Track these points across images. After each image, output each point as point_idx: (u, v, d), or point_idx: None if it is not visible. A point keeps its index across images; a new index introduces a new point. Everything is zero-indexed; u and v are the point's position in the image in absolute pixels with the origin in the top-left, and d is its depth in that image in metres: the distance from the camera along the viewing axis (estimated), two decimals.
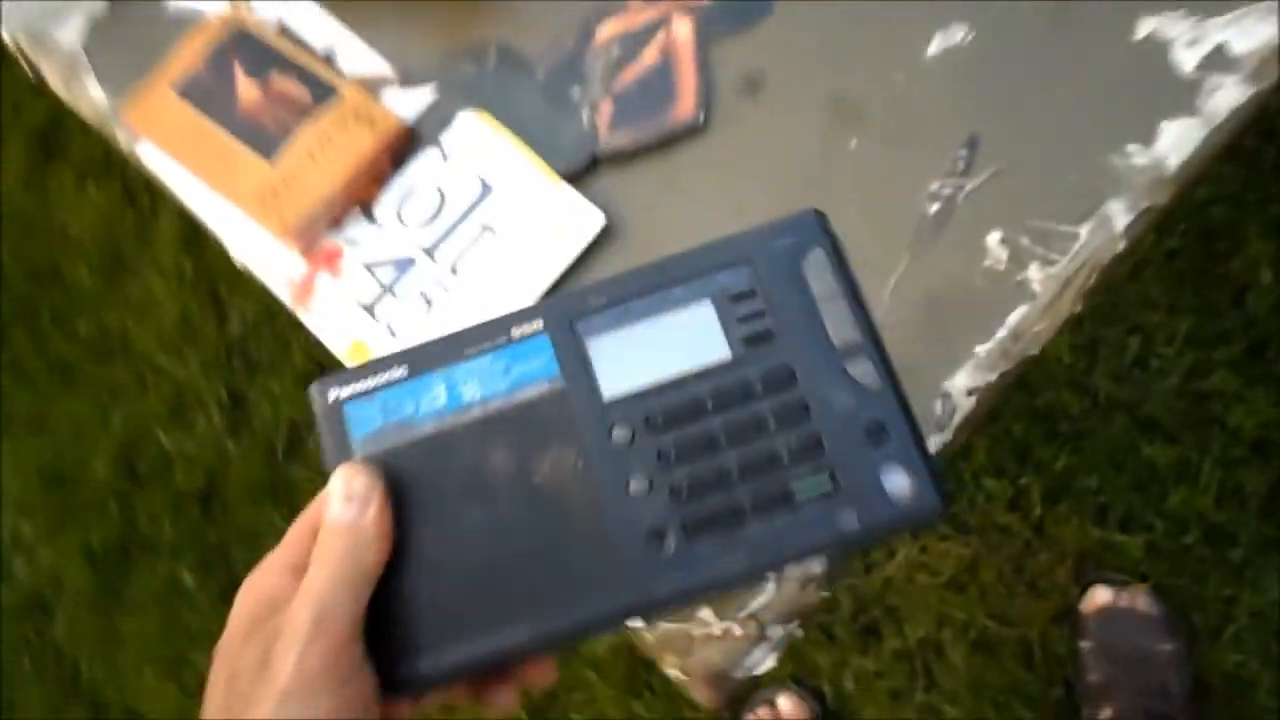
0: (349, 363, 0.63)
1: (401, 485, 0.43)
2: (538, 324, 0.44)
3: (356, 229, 0.67)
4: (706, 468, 0.42)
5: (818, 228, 0.44)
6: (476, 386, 0.44)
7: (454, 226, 0.65)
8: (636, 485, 0.42)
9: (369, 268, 0.66)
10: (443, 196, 0.66)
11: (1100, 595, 1.19)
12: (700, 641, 0.58)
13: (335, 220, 0.67)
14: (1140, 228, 0.59)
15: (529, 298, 0.61)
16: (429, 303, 0.65)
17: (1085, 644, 1.19)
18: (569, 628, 0.41)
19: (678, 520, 0.41)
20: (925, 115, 0.63)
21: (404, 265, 0.65)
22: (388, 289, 0.66)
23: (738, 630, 0.58)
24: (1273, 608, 1.19)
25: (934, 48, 0.63)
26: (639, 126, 0.65)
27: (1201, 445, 1.24)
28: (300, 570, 0.40)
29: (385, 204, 0.67)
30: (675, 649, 0.58)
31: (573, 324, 0.44)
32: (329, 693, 0.37)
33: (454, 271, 0.64)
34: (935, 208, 0.61)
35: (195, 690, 1.47)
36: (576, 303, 0.44)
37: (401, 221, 0.66)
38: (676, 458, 0.42)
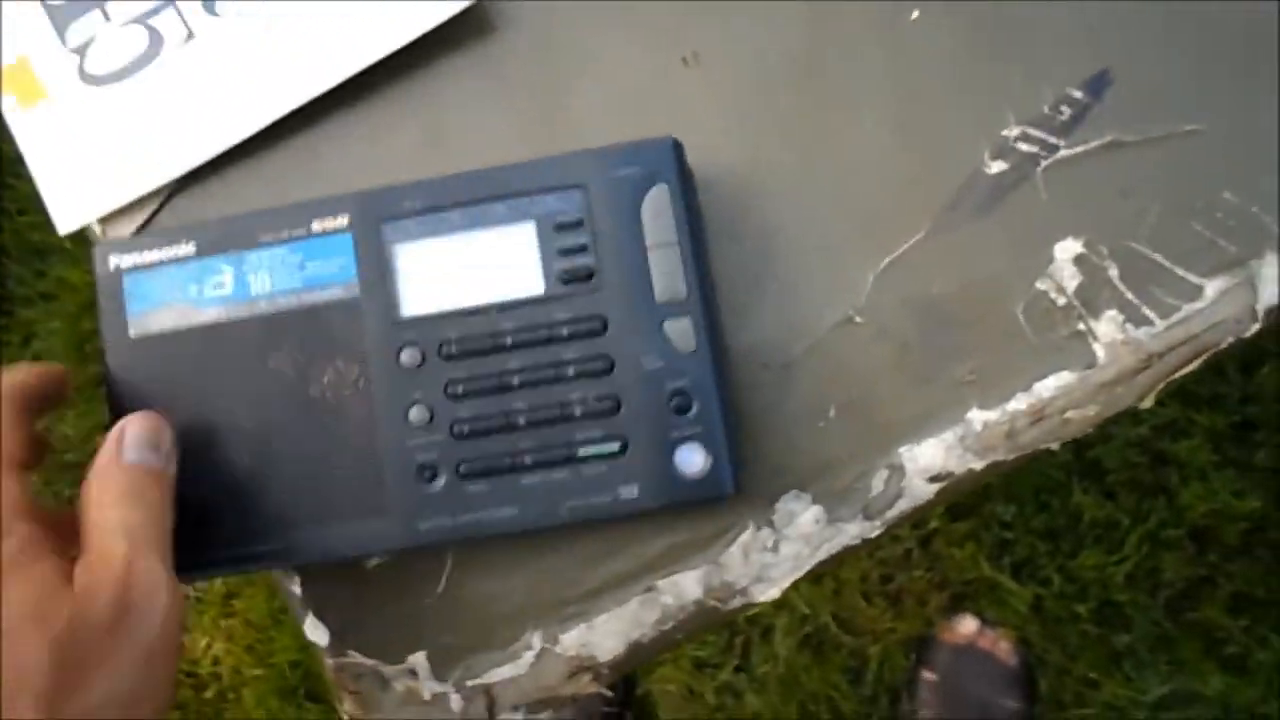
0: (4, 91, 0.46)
1: (172, 374, 0.40)
2: (343, 220, 0.40)
3: None
4: (493, 409, 0.39)
5: (670, 160, 0.39)
6: (266, 279, 0.40)
7: None
8: (417, 415, 0.39)
9: None
10: None
11: (965, 626, 1.10)
12: (395, 697, 0.43)
13: None
14: None
15: (304, 88, 0.44)
16: (160, 39, 0.45)
17: (928, 675, 1.10)
18: (323, 551, 0.39)
19: (453, 459, 0.38)
20: (1040, 18, 0.43)
21: None
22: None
23: (455, 702, 0.43)
24: (1139, 709, 1.11)
25: None
26: None
27: (1138, 512, 1.13)
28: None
29: None
30: (359, 694, 0.43)
31: (380, 226, 0.40)
32: None
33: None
34: (998, 167, 0.42)
35: None
36: (389, 202, 0.40)
37: None
38: (464, 392, 0.39)
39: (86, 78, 0.45)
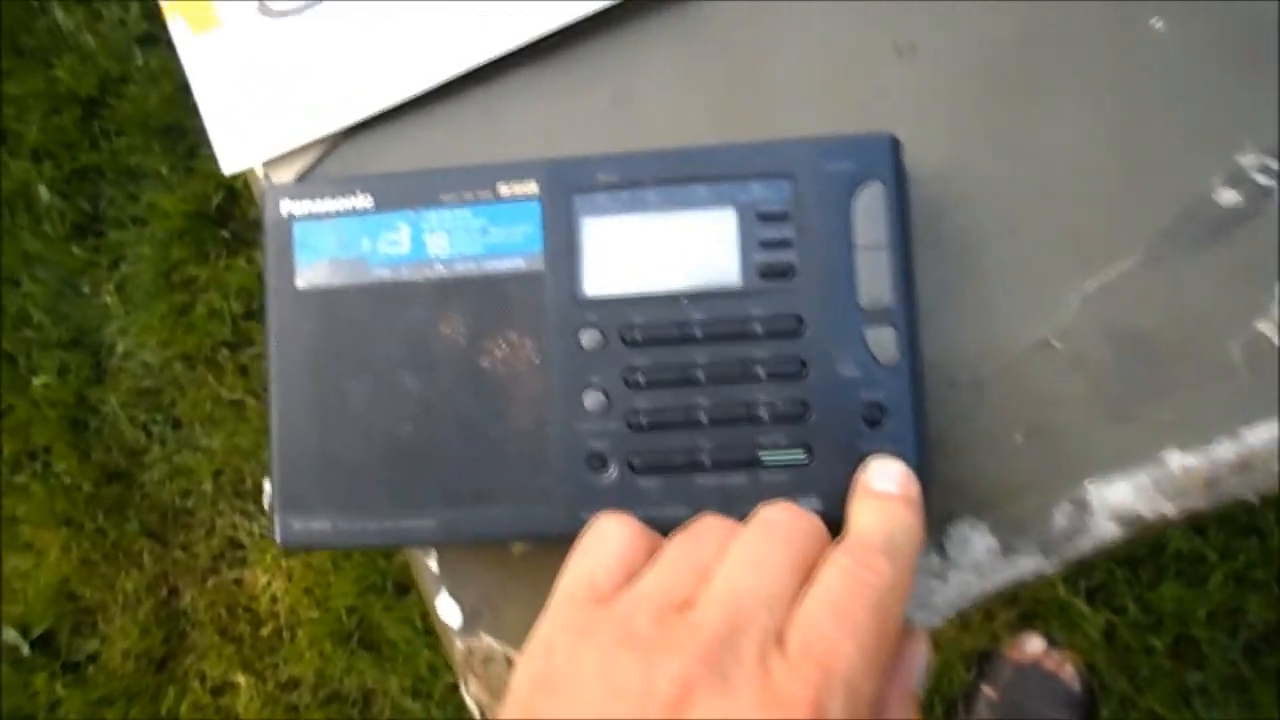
0: (169, 10, 0.45)
1: (338, 331, 0.38)
2: (532, 186, 0.38)
3: None
4: (674, 402, 0.36)
5: (888, 158, 0.36)
6: (445, 241, 0.38)
7: None
8: (592, 400, 0.37)
9: None
10: None
11: (1031, 644, 1.07)
12: None
13: None
14: None
15: (490, 44, 0.42)
16: None
17: (988, 690, 1.07)
18: (479, 532, 0.37)
19: (626, 450, 0.36)
20: None
21: None
22: None
23: None
24: None
25: None
26: None
27: (1227, 550, 1.09)
28: None
29: None
30: (486, 679, 0.42)
31: (571, 197, 0.37)
32: None
33: None
34: (1228, 197, 0.39)
35: (16, 318, 1.30)
36: (582, 172, 0.37)
37: None
38: (645, 382, 0.37)
39: (264, 9, 0.43)
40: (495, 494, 0.37)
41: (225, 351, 1.29)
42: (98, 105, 1.29)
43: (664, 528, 0.36)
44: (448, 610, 0.42)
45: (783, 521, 0.32)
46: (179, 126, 1.27)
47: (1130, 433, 0.39)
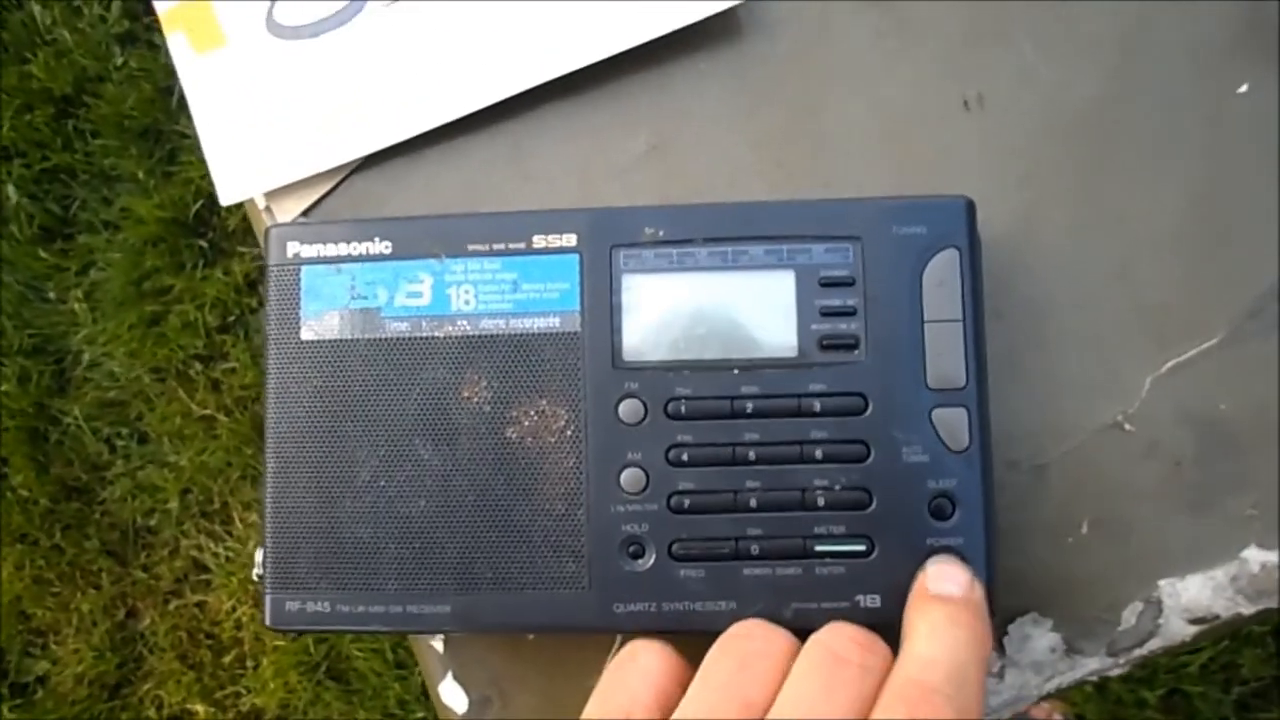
0: (169, 24, 0.41)
1: (346, 389, 0.34)
2: (570, 238, 0.34)
3: None
4: (720, 483, 0.33)
5: (963, 223, 0.33)
6: (471, 295, 0.34)
7: None
8: (630, 478, 0.33)
9: None
10: None
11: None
12: None
13: None
14: None
15: (520, 76, 0.39)
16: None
17: None
18: (499, 623, 0.34)
19: (666, 535, 0.33)
20: None
21: None
22: None
23: None
24: None
25: None
26: None
27: None
28: None
29: None
30: None
31: (613, 252, 0.34)
32: None
33: None
34: None
35: None
36: (626, 225, 0.34)
37: None
38: (689, 459, 0.33)
39: (274, 28, 0.39)
40: (518, 580, 0.33)
41: (197, 365, 1.23)
42: (73, 104, 1.24)
43: (704, 623, 0.33)
44: (453, 696, 0.38)
45: (851, 658, 0.28)
46: (158, 130, 1.22)
47: (1208, 526, 0.36)
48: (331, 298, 0.35)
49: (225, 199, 0.39)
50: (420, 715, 1.17)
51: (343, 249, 0.35)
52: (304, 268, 0.35)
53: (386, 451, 0.34)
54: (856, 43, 0.39)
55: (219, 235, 1.23)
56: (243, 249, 1.22)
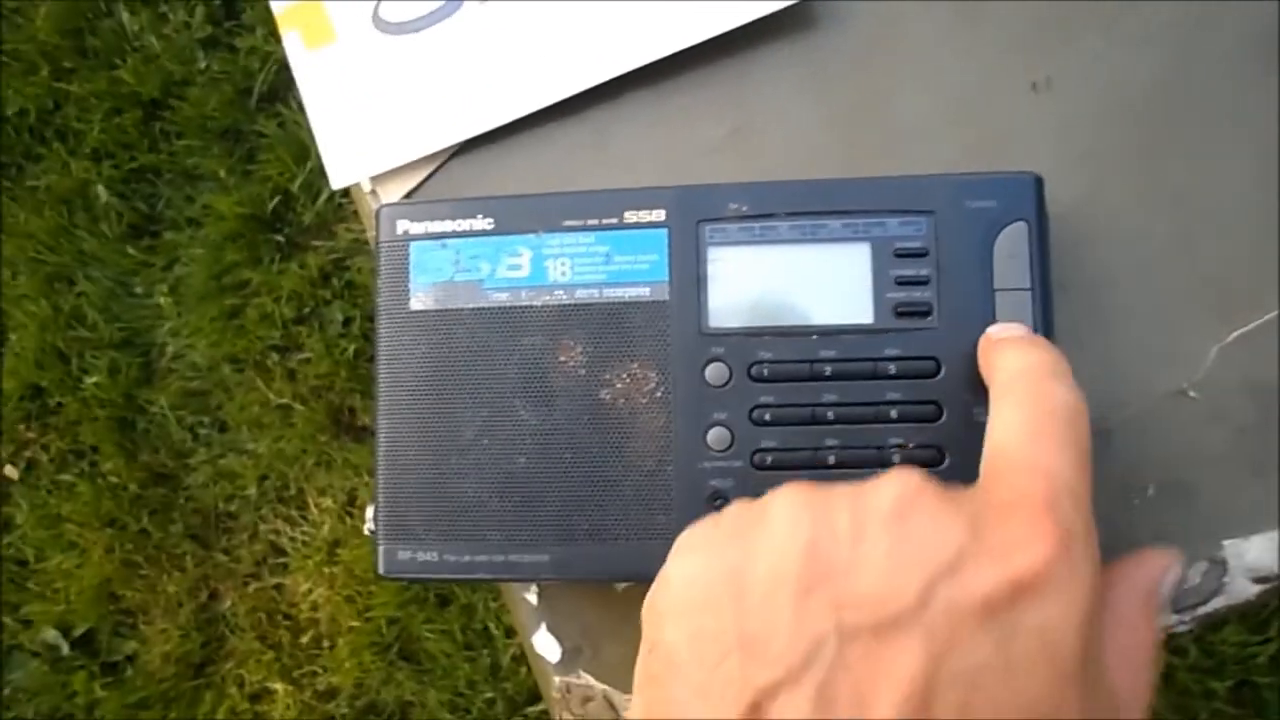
0: (284, 23, 0.44)
1: (451, 355, 0.37)
2: (659, 213, 0.37)
3: None
4: (800, 441, 0.35)
5: (1032, 198, 0.35)
6: (567, 267, 0.37)
7: None
8: (716, 437, 0.35)
9: None
10: None
11: None
12: None
13: None
14: None
15: (606, 65, 0.41)
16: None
17: None
18: (593, 571, 0.36)
19: (749, 489, 0.35)
20: None
21: None
22: None
23: None
24: None
25: None
26: None
27: None
28: None
29: None
30: (584, 718, 0.41)
31: (699, 226, 0.36)
32: None
33: None
34: None
35: (70, 316, 1.31)
36: (711, 201, 0.36)
37: None
38: (771, 419, 0.35)
39: (380, 24, 0.42)
40: (612, 531, 0.36)
41: (274, 356, 1.28)
42: (159, 107, 1.30)
43: None
44: (546, 646, 0.41)
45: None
46: (237, 130, 1.27)
47: (1271, 489, 0.38)
48: (438, 271, 0.37)
49: (335, 183, 0.42)
50: (488, 695, 1.20)
51: (448, 226, 0.37)
52: (412, 244, 0.38)
53: (489, 412, 0.37)
54: (926, 33, 0.41)
55: (295, 230, 1.28)
56: (317, 243, 1.27)
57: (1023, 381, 0.28)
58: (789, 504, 0.26)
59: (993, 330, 0.33)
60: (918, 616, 0.23)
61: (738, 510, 0.27)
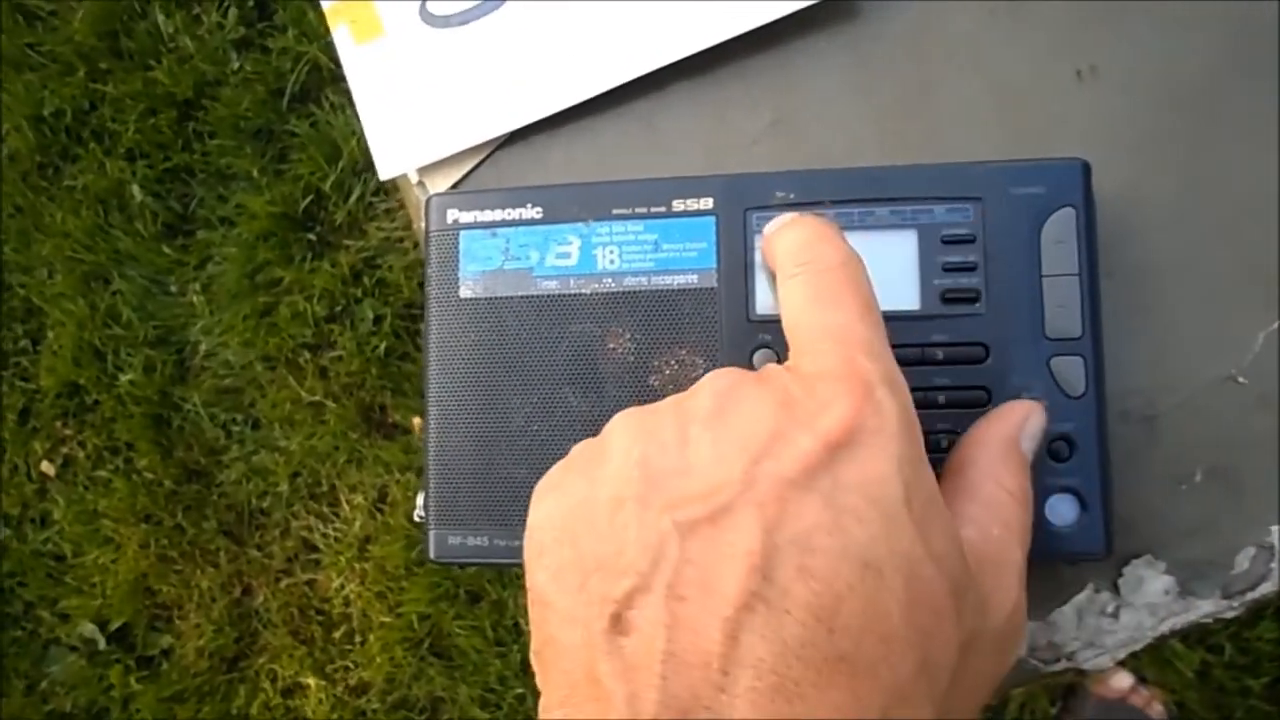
0: (334, 18, 0.45)
1: (501, 343, 0.38)
2: (708, 202, 0.37)
3: None
4: None
5: (1079, 184, 0.35)
6: (616, 255, 0.37)
7: None
8: None
9: None
10: None
11: (1119, 680, 1.05)
12: None
13: None
14: None
15: (650, 56, 0.42)
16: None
17: None
18: None
19: None
20: None
21: None
22: None
23: None
24: None
25: None
26: None
27: None
28: None
29: None
30: None
31: (746, 214, 0.37)
32: None
33: None
34: None
35: (105, 315, 1.34)
36: (759, 189, 0.37)
37: None
38: None
39: (428, 18, 0.43)
40: None
41: (306, 354, 1.30)
42: (193, 107, 1.31)
43: None
44: None
45: None
46: (269, 130, 1.29)
47: None
48: (487, 259, 0.38)
49: (384, 173, 0.42)
50: (519, 690, 1.21)
51: (497, 215, 0.38)
52: (462, 233, 0.38)
53: (538, 399, 0.37)
54: (969, 23, 0.41)
55: (326, 229, 1.29)
56: (348, 242, 1.28)
57: (793, 256, 0.30)
58: (622, 430, 0.28)
59: (766, 228, 0.33)
60: (746, 496, 0.24)
61: (580, 448, 0.29)
